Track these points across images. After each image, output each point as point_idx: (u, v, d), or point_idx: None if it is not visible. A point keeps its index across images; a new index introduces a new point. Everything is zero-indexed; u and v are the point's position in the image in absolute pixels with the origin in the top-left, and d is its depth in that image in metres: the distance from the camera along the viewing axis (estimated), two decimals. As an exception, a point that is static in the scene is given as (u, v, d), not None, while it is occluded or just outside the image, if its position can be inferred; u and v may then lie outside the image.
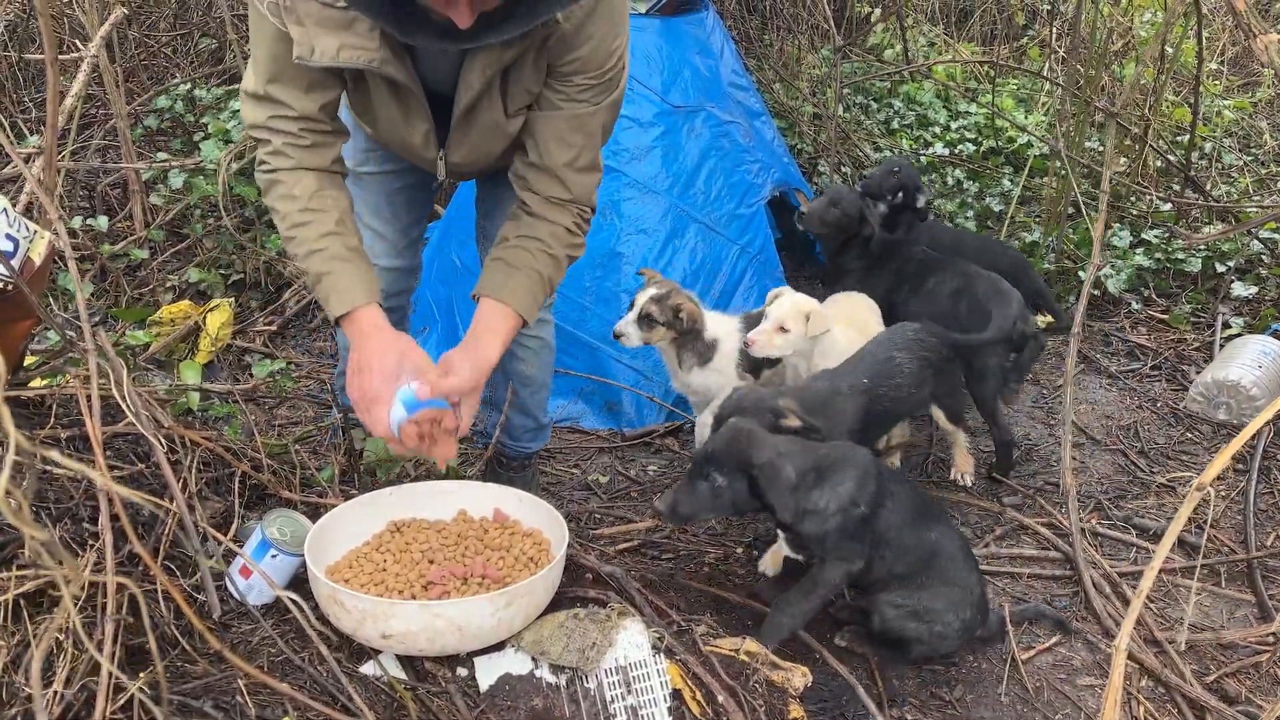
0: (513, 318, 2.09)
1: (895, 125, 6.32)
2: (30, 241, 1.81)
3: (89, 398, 1.64)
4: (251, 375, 3.62)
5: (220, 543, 1.91)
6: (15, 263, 1.81)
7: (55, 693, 1.62)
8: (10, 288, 1.75)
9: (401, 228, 2.59)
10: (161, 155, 4.42)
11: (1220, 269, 4.54)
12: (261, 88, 1.97)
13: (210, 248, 4.21)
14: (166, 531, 1.90)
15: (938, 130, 6.28)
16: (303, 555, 2.00)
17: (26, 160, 2.07)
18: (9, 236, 1.75)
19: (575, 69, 2.01)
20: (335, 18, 1.86)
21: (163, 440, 1.79)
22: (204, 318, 3.71)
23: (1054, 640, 2.61)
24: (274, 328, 3.99)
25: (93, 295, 3.94)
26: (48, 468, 1.77)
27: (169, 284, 4.07)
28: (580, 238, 2.21)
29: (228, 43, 5.15)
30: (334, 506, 2.20)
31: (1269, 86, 6.88)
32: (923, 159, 5.91)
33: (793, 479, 2.22)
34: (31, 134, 4.54)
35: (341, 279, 2.00)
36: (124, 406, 1.68)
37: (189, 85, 4.86)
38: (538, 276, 2.12)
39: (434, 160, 2.27)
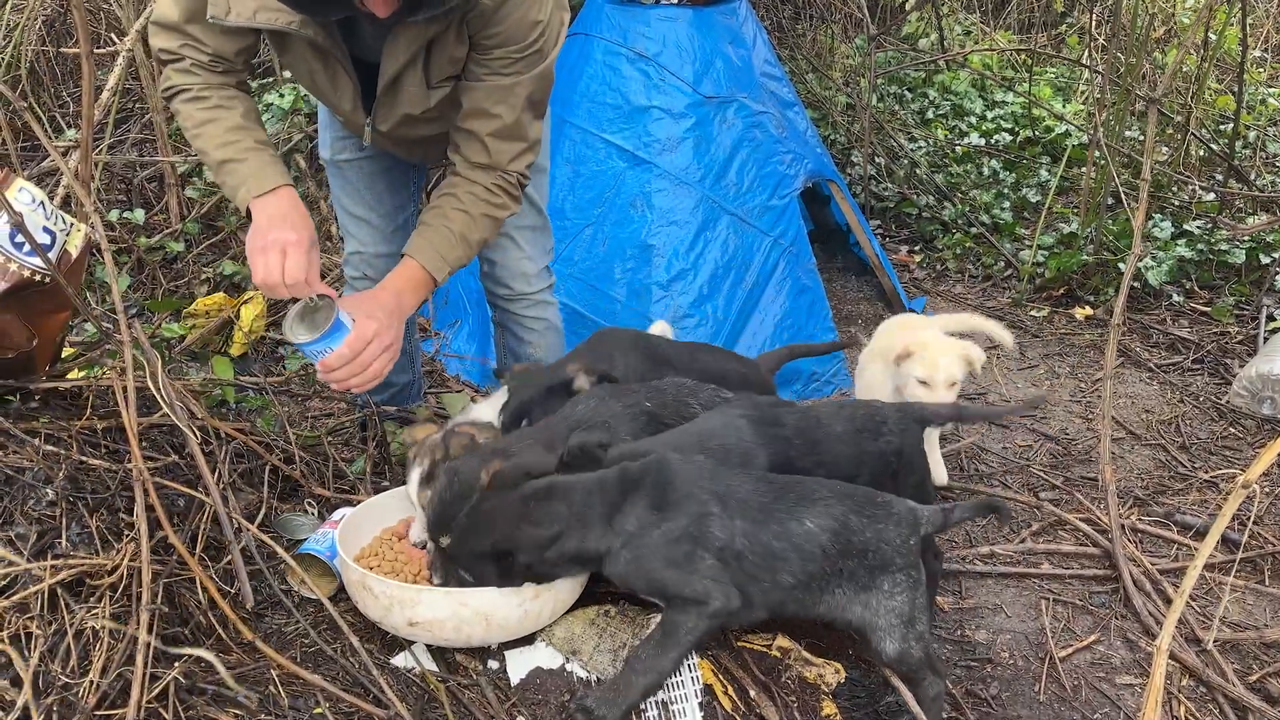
0: (416, 267, 2.13)
1: (930, 115, 6.25)
2: (67, 234, 1.83)
3: (125, 389, 1.65)
4: (285, 367, 3.64)
5: (253, 533, 1.92)
6: (52, 255, 1.82)
7: (91, 681, 1.63)
8: (48, 280, 1.77)
9: (386, 213, 2.60)
10: (197, 149, 4.46)
11: (1265, 260, 4.44)
12: (176, 19, 2.02)
13: (244, 240, 4.23)
14: (203, 521, 1.91)
15: (973, 120, 6.20)
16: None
17: (64, 154, 2.08)
18: (46, 229, 1.76)
19: (497, 43, 2.03)
20: None
21: (196, 432, 1.79)
22: (238, 310, 3.74)
23: (1091, 638, 2.57)
24: (307, 320, 4.01)
25: (130, 288, 3.98)
26: (85, 458, 1.79)
27: (204, 276, 4.10)
28: (501, 199, 2.21)
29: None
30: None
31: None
32: (958, 149, 5.83)
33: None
34: (69, 128, 4.60)
35: (257, 164, 2.02)
36: (159, 398, 1.69)
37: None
38: (447, 232, 2.15)
39: (362, 126, 2.28)
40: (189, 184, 4.33)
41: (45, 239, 1.78)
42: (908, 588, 1.92)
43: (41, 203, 1.77)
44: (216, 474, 1.93)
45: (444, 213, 2.16)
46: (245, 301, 3.76)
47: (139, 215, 4.10)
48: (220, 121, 2.05)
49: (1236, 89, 4.96)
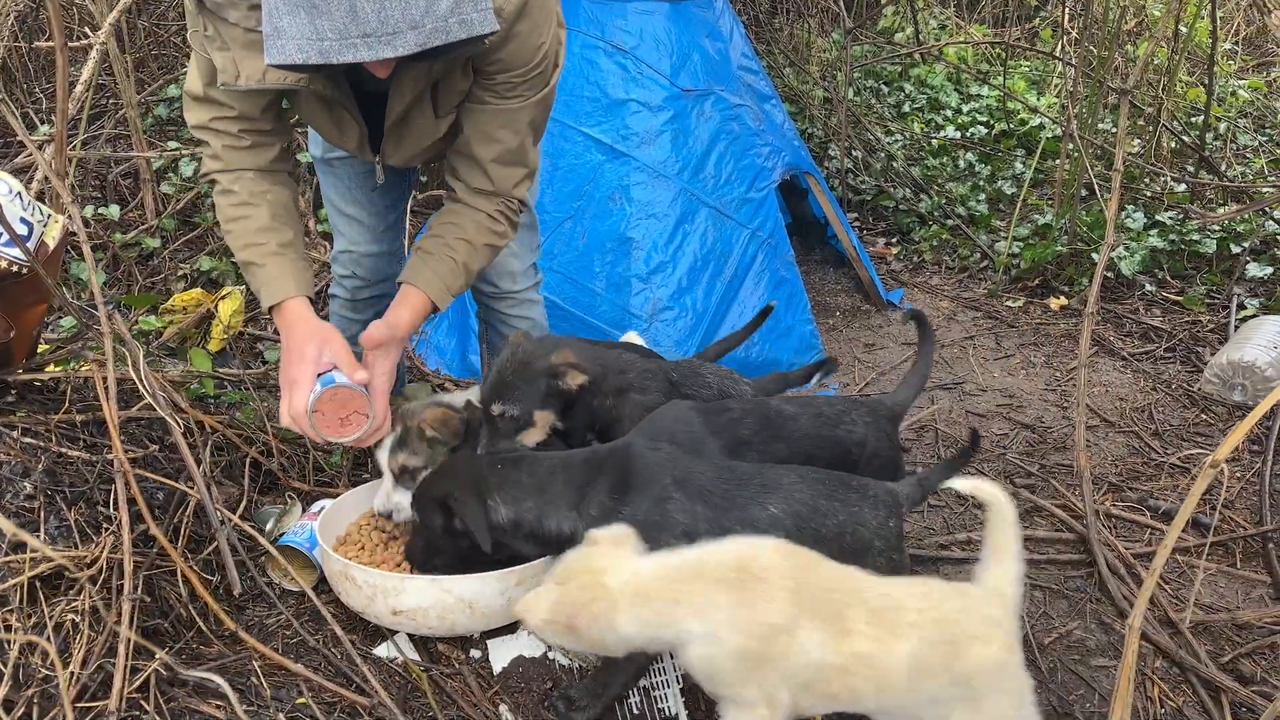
0: (423, 300, 2.15)
1: (906, 109, 6.29)
2: (45, 225, 1.82)
3: (105, 380, 1.64)
4: (264, 362, 3.63)
5: (236, 524, 1.92)
6: (30, 246, 1.81)
7: (72, 673, 1.63)
8: (25, 271, 1.76)
9: (378, 211, 2.59)
10: (172, 144, 4.43)
11: (1235, 250, 4.50)
12: (201, 89, 2.02)
13: (220, 236, 4.21)
14: (185, 514, 1.91)
15: (949, 113, 6.24)
16: None
17: (40, 147, 2.07)
18: (24, 220, 1.75)
19: (500, 68, 2.03)
20: (255, 40, 1.85)
21: (180, 422, 1.79)
22: (216, 305, 3.72)
23: (1070, 626, 2.61)
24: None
25: (105, 284, 3.95)
26: (63, 450, 1.78)
27: (180, 272, 4.08)
28: (503, 226, 2.24)
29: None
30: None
31: (1284, 66, 6.80)
32: (934, 142, 5.87)
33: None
34: (42, 124, 4.55)
35: (273, 271, 2.05)
36: (141, 389, 1.69)
37: (198, 74, 4.86)
38: (451, 264, 2.17)
39: (372, 163, 2.30)
40: (164, 180, 4.30)
41: (23, 230, 1.77)
42: (887, 570, 1.90)
43: (19, 193, 1.75)
44: (200, 466, 1.93)
45: (447, 242, 2.18)
46: (223, 297, 3.74)
47: (114, 211, 4.07)
48: (249, 220, 2.07)
49: (1207, 81, 5.02)
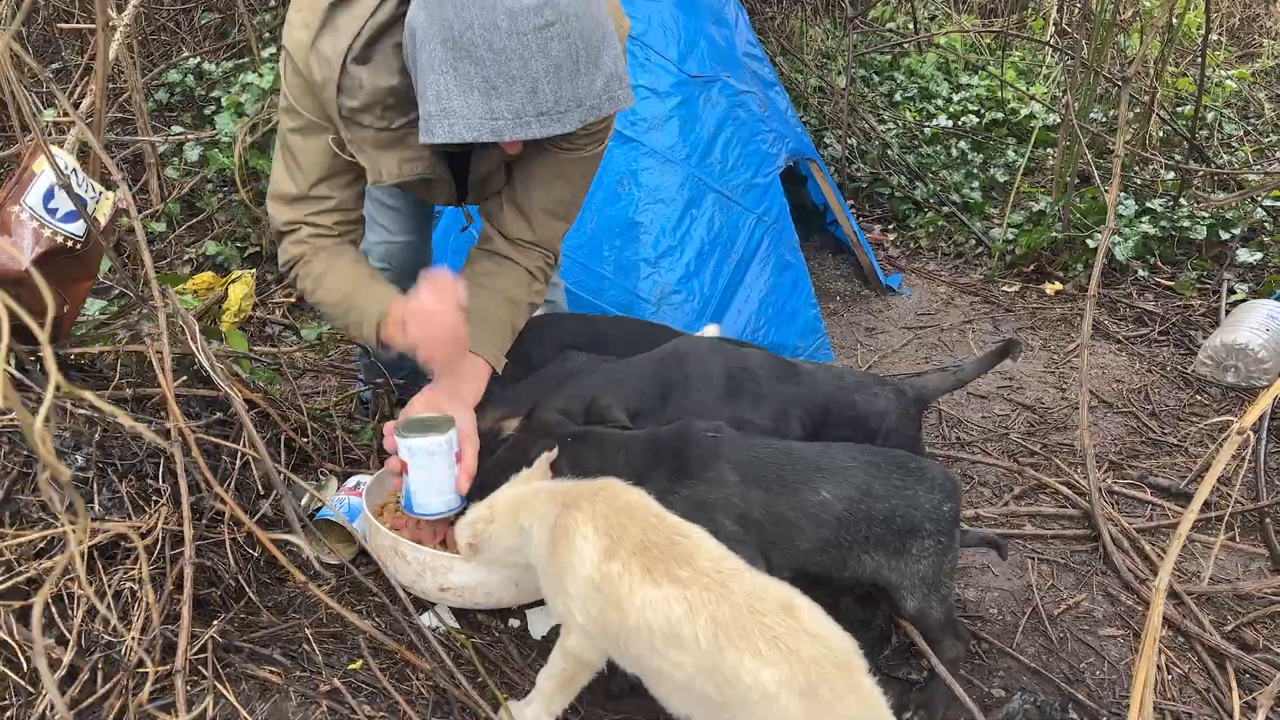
0: (484, 367, 2.14)
1: (898, 98, 6.37)
2: (97, 202, 1.84)
3: (160, 355, 1.67)
4: (274, 344, 3.65)
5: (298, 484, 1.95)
6: (84, 223, 1.84)
7: (134, 639, 1.67)
8: (78, 247, 1.79)
9: (413, 200, 2.60)
10: (176, 129, 4.43)
11: (1225, 236, 4.61)
12: (305, 190, 2.00)
13: (224, 221, 4.23)
14: (229, 486, 1.95)
15: (940, 103, 6.32)
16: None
17: (84, 117, 2.07)
18: (79, 198, 1.78)
19: None
20: (386, 138, 1.91)
21: (239, 392, 1.83)
22: (226, 289, 3.73)
23: (1079, 598, 2.69)
24: (293, 299, 4.02)
25: (110, 270, 3.95)
26: (117, 418, 1.81)
27: (186, 257, 4.09)
28: (540, 284, 2.24)
29: (235, 16, 5.14)
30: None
31: (1269, 57, 6.93)
32: (927, 130, 5.95)
33: None
34: (47, 106, 4.53)
35: (378, 292, 2.04)
36: (201, 360, 1.72)
37: (197, 59, 4.86)
38: (500, 325, 2.17)
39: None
40: (169, 164, 4.30)
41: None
42: (935, 553, 1.93)
43: (74, 170, 1.78)
44: (245, 439, 1.96)
45: (496, 305, 2.16)
46: (234, 280, 3.76)
47: (122, 194, 4.06)
48: (337, 268, 2.05)
49: (1198, 72, 5.12)
